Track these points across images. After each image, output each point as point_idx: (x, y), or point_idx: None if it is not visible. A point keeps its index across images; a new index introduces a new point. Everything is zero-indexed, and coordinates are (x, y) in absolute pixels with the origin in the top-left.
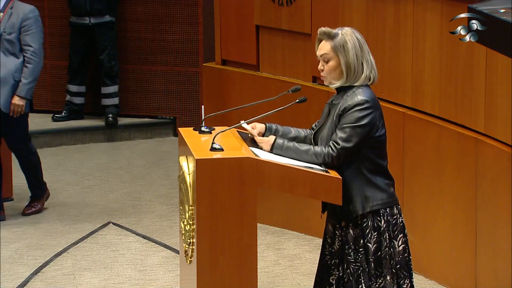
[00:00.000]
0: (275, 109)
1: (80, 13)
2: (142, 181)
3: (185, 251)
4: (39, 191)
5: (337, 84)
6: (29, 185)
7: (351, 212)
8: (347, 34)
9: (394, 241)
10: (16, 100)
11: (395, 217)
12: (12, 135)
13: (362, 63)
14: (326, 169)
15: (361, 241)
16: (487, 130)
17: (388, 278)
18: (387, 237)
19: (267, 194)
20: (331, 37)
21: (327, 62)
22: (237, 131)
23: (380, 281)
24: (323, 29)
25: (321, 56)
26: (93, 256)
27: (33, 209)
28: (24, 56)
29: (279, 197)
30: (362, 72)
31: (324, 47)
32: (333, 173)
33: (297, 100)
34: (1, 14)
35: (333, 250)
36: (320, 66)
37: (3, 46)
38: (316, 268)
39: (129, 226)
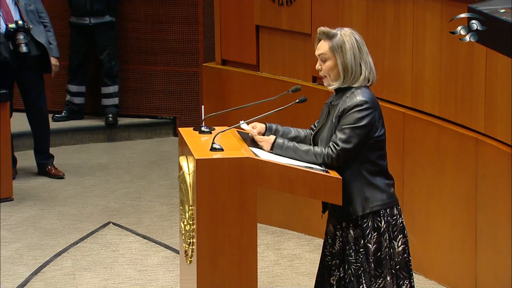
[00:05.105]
0: (275, 109)
1: (80, 13)
2: (142, 181)
3: (185, 251)
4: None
5: (335, 85)
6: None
7: (351, 213)
8: (346, 35)
9: (394, 241)
10: (55, 61)
11: (395, 217)
12: (43, 95)
13: (360, 64)
14: (326, 169)
15: (362, 242)
16: (487, 130)
17: (388, 278)
18: (387, 237)
19: (267, 194)
20: (329, 37)
21: (324, 62)
22: (237, 131)
23: (380, 281)
24: (322, 28)
25: (319, 55)
26: (93, 256)
27: None
28: (42, 23)
29: (279, 197)
30: (361, 74)
31: (322, 47)
32: (333, 173)
33: (297, 100)
34: None
35: (333, 251)
36: (317, 66)
37: (29, 17)
38: (317, 269)
39: (129, 226)
